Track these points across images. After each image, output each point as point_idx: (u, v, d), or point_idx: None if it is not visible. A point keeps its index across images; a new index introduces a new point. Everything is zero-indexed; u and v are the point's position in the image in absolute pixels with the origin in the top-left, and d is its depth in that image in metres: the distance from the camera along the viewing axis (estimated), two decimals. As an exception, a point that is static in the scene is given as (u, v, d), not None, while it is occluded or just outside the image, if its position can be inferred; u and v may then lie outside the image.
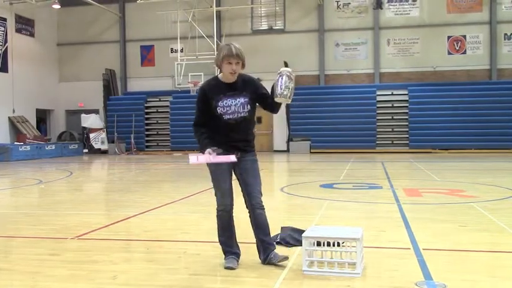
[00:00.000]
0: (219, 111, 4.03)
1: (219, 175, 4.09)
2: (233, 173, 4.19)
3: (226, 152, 4.01)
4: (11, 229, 6.04)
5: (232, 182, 4.17)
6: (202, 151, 4.01)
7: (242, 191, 4.17)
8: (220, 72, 4.12)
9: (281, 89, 3.95)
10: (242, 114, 4.07)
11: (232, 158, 3.95)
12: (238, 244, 4.23)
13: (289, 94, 3.96)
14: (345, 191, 9.24)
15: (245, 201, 4.16)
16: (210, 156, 3.94)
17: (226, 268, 4.04)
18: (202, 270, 4.07)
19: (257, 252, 4.19)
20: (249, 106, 4.09)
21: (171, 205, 7.74)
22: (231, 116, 4.03)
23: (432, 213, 6.70)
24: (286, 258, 4.10)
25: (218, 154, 3.97)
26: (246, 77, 4.18)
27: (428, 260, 4.21)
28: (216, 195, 4.17)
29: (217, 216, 4.17)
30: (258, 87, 4.19)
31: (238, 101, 4.05)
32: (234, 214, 4.20)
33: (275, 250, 4.15)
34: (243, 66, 4.08)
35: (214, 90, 4.06)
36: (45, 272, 4.06)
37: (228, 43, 4.09)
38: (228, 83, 4.08)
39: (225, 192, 4.10)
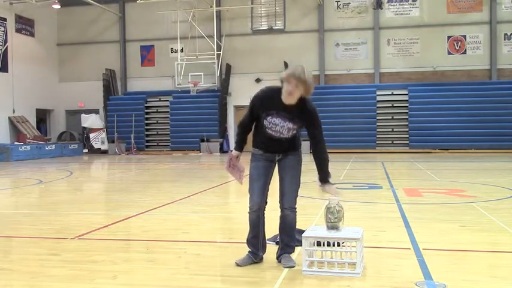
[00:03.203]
0: (265, 123, 4.00)
1: (254, 172, 4.08)
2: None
3: (266, 154, 4.08)
4: (11, 229, 6.03)
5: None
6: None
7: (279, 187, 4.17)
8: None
9: (334, 220, 3.99)
10: (284, 136, 4.02)
11: (241, 180, 4.16)
12: (266, 245, 4.21)
13: (342, 222, 4.03)
14: (345, 191, 9.22)
15: (279, 199, 4.16)
16: (230, 163, 4.16)
17: (236, 263, 4.07)
18: (202, 270, 4.07)
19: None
20: (294, 132, 4.03)
21: (171, 205, 7.74)
22: (273, 133, 4.01)
23: (432, 213, 6.70)
24: (292, 266, 4.05)
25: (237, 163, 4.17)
26: (308, 107, 3.98)
27: (428, 260, 4.21)
28: (249, 192, 4.15)
29: (248, 213, 4.16)
30: (312, 125, 4.01)
31: (286, 125, 3.97)
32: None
33: (290, 254, 4.15)
34: (306, 93, 3.85)
35: (269, 102, 3.96)
36: (45, 272, 4.06)
37: (300, 65, 3.89)
38: (286, 103, 3.90)
39: (254, 191, 4.09)
